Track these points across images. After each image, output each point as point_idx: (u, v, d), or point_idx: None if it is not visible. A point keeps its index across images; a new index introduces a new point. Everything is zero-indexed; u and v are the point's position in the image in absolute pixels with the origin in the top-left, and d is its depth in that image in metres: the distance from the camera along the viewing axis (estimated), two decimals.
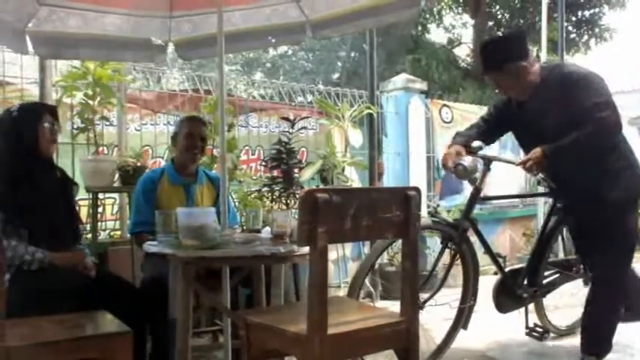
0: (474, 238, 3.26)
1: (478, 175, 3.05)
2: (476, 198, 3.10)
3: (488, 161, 3.08)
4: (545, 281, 3.49)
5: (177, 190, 3.08)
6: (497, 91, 3.04)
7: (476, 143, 3.01)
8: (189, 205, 3.02)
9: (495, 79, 2.93)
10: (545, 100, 2.87)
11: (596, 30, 12.41)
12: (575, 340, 3.34)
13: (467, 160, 2.96)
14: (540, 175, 2.93)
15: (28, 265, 2.37)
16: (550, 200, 3.57)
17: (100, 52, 3.22)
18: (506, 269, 3.37)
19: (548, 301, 3.71)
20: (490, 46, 3.01)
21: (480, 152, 3.03)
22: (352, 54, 13.65)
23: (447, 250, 3.14)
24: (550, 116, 2.84)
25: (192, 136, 3.08)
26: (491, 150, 4.65)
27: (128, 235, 3.80)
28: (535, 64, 2.92)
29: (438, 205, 5.57)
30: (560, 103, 2.80)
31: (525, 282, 3.39)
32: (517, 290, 3.33)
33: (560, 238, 3.74)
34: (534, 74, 2.89)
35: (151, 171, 3.24)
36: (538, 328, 3.35)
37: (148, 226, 2.85)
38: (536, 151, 2.78)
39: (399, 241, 2.23)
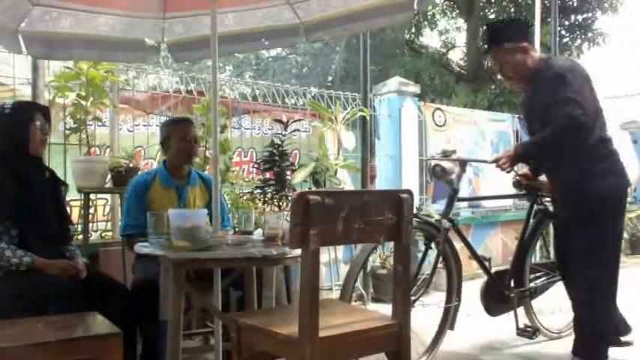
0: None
1: (455, 176, 3.17)
2: (454, 198, 3.21)
3: (462, 163, 3.21)
4: (532, 283, 3.58)
5: (169, 193, 3.07)
6: (499, 77, 3.09)
7: (448, 147, 3.21)
8: (180, 207, 3.02)
9: (496, 57, 3.00)
10: (534, 94, 2.96)
11: (589, 34, 12.49)
12: (566, 343, 3.36)
13: (445, 162, 3.14)
14: (514, 173, 3.13)
15: (16, 267, 2.36)
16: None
17: (92, 52, 3.20)
18: (492, 271, 3.42)
19: (540, 304, 3.73)
20: (495, 24, 3.23)
21: (454, 155, 3.17)
22: (345, 56, 13.67)
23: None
24: (535, 110, 2.95)
25: (186, 140, 3.08)
26: (483, 151, 4.68)
27: (120, 237, 3.79)
28: (535, 52, 3.02)
29: (422, 205, 5.59)
30: (541, 98, 2.88)
31: (512, 283, 3.46)
32: (504, 291, 3.38)
33: (542, 239, 3.86)
34: (533, 60, 2.96)
35: (143, 173, 3.23)
36: (528, 328, 3.38)
37: (139, 228, 2.84)
38: (509, 150, 2.97)
39: (391, 244, 2.24)
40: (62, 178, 3.25)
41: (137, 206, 2.98)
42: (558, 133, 2.76)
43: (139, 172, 3.62)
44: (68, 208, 3.58)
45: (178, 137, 3.08)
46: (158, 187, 3.07)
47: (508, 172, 2.98)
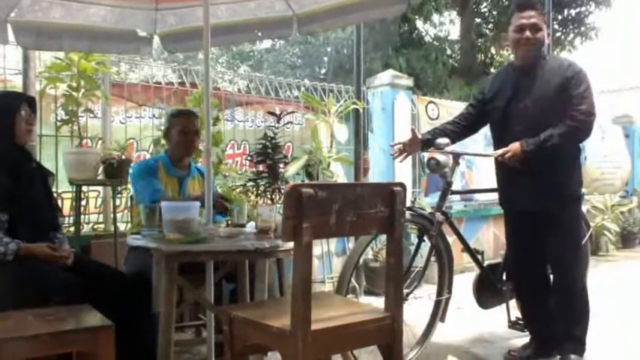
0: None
1: (448, 169, 3.13)
2: (447, 191, 3.17)
3: (456, 156, 3.15)
4: None
5: (172, 181, 3.12)
6: (523, 35, 2.87)
7: (442, 140, 3.05)
8: (180, 197, 3.06)
9: (536, 18, 2.91)
10: (542, 82, 2.90)
11: (582, 29, 12.50)
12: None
13: (440, 155, 3.06)
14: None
15: (3, 255, 2.35)
16: None
17: (83, 43, 3.18)
18: (485, 264, 3.43)
19: None
20: None
21: (448, 148, 3.06)
22: (339, 49, 13.63)
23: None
24: (538, 99, 2.88)
25: (186, 133, 3.12)
26: (476, 144, 4.68)
27: (112, 228, 3.78)
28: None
29: (415, 199, 5.60)
30: (553, 89, 2.85)
31: (504, 276, 3.45)
32: (497, 285, 3.40)
33: None
34: (545, 42, 2.98)
35: (147, 159, 3.27)
36: (520, 321, 3.39)
37: (160, 193, 2.91)
38: (514, 145, 2.82)
39: (384, 237, 2.23)
40: (54, 170, 3.24)
41: (152, 178, 3.01)
42: (566, 136, 2.78)
43: (132, 164, 3.63)
44: (60, 200, 3.58)
45: (178, 129, 3.12)
46: (163, 173, 3.11)
47: (520, 166, 2.84)
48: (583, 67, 2.90)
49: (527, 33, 2.88)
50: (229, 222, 2.84)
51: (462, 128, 3.21)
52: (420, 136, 3.14)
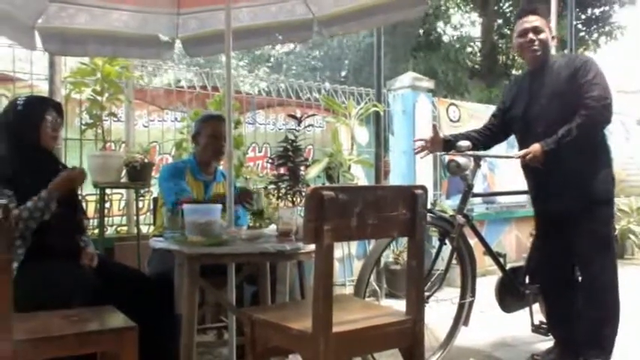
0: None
1: (469, 172, 3.12)
2: (468, 194, 3.16)
3: (477, 159, 3.15)
4: None
5: (198, 185, 3.15)
6: (526, 38, 2.91)
7: (463, 143, 3.05)
8: (205, 200, 3.08)
9: (540, 21, 2.95)
10: (552, 80, 2.91)
11: (606, 28, 12.32)
12: None
13: (460, 158, 3.07)
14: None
15: (48, 209, 2.41)
16: None
17: (107, 48, 3.21)
18: (507, 267, 3.41)
19: None
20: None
21: (469, 151, 3.07)
22: (359, 52, 13.62)
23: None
24: (552, 97, 2.88)
25: (216, 137, 3.13)
26: (498, 147, 4.62)
27: (135, 231, 3.82)
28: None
29: (436, 202, 5.57)
30: (564, 82, 2.85)
31: (527, 279, 3.42)
32: (519, 288, 3.36)
33: None
34: (551, 44, 2.98)
35: (175, 162, 3.30)
36: (544, 325, 3.35)
37: (186, 193, 2.95)
38: (535, 147, 2.81)
39: (404, 239, 2.23)
40: None
41: (179, 180, 3.05)
42: (584, 125, 2.74)
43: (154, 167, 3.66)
44: (84, 203, 3.63)
45: (207, 134, 3.15)
46: (190, 176, 3.14)
47: (542, 167, 2.83)
48: (592, 57, 2.91)
49: (530, 35, 2.93)
50: (250, 225, 2.86)
51: (485, 137, 3.24)
52: (442, 135, 3.16)
